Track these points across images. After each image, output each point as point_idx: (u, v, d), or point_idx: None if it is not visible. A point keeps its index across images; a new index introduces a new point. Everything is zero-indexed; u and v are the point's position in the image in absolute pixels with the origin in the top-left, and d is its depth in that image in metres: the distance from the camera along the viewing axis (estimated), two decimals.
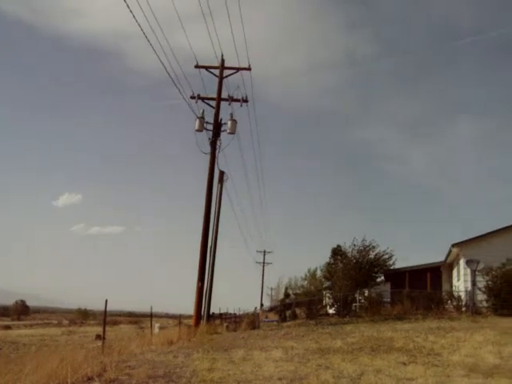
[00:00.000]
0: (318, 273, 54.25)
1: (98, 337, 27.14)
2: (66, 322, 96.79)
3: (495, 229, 29.85)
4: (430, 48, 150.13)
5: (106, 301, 17.46)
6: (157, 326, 31.44)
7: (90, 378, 9.51)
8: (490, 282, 25.93)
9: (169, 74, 20.65)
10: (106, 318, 20.75)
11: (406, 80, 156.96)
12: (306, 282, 54.62)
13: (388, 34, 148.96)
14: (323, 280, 47.32)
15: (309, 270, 58.03)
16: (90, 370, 10.06)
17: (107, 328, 34.16)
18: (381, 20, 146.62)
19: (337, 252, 38.92)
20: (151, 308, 24.84)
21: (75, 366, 9.89)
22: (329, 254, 41.38)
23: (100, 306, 18.82)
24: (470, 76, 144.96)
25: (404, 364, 11.85)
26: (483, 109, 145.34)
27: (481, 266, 27.62)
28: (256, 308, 39.34)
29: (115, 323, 72.34)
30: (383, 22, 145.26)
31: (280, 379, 9.83)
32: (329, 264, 41.08)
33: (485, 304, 26.37)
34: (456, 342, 15.54)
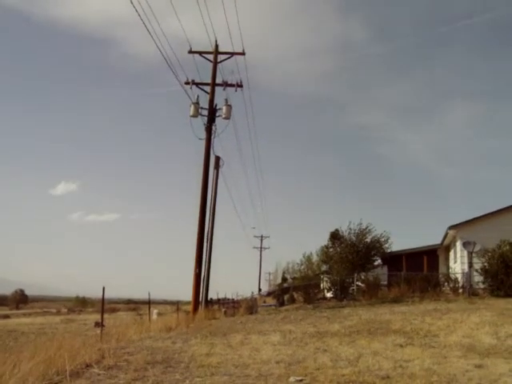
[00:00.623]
0: (314, 257, 54.25)
1: (97, 324, 27.17)
2: (64, 310, 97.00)
3: (491, 211, 29.92)
4: (422, 32, 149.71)
5: (104, 288, 17.47)
6: (155, 312, 31.55)
7: (88, 365, 9.54)
8: (486, 264, 26.02)
9: (165, 58, 20.74)
10: (105, 306, 20.77)
11: (398, 65, 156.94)
12: (302, 266, 54.69)
13: (380, 19, 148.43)
14: (321, 264, 47.40)
15: (304, 255, 58.15)
16: (88, 357, 10.08)
17: (106, 315, 34.26)
18: (372, 4, 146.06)
19: (335, 236, 38.98)
20: (149, 294, 24.85)
21: (73, 353, 9.91)
22: (327, 238, 41.56)
23: (98, 294, 18.81)
24: (462, 60, 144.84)
25: (401, 346, 11.90)
26: (474, 93, 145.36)
27: (477, 247, 27.71)
28: (253, 293, 39.48)
29: (114, 310, 72.50)
30: (375, 7, 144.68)
31: (278, 362, 9.87)
32: (326, 248, 41.15)
33: (481, 285, 26.48)
34: (453, 323, 15.61)
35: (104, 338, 15.40)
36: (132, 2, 15.43)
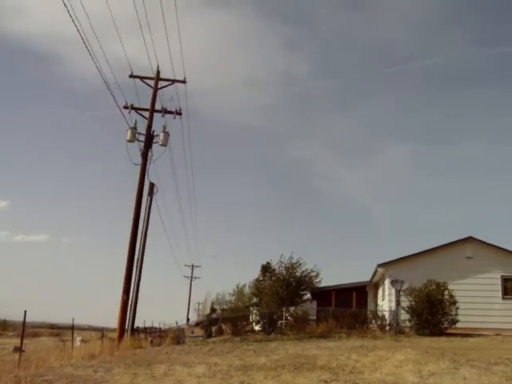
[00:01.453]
0: (247, 289, 54.32)
1: (16, 349, 26.19)
2: None
3: (419, 251, 30.59)
4: (364, 72, 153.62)
5: (25, 312, 16.91)
6: (78, 338, 30.66)
7: None
8: (413, 302, 26.42)
9: (104, 80, 20.45)
10: (27, 330, 20.05)
11: (339, 102, 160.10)
12: (233, 297, 54.62)
13: (325, 56, 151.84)
14: (251, 296, 47.35)
15: (237, 286, 58.18)
16: None
17: (27, 340, 33.04)
18: (318, 43, 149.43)
19: (266, 269, 39.03)
20: (73, 320, 24.23)
21: None
22: (259, 270, 41.59)
23: (21, 317, 18.14)
24: (399, 102, 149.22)
25: (326, 382, 11.88)
26: (409, 134, 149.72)
27: (405, 285, 28.19)
28: (177, 323, 38.96)
29: (36, 335, 69.91)
30: (320, 44, 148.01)
31: None
32: (257, 280, 41.15)
33: (408, 323, 26.82)
34: (378, 360, 15.70)
35: (22, 365, 14.88)
36: (74, 21, 15.17)
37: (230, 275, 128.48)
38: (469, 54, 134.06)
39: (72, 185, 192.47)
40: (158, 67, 27.91)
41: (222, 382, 11.67)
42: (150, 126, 26.98)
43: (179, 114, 28.46)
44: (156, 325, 48.54)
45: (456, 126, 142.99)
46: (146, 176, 26.40)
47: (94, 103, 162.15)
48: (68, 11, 13.59)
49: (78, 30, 15.53)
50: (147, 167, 26.41)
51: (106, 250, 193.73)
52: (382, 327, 28.05)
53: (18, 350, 20.15)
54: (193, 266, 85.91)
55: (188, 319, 74.93)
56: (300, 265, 33.98)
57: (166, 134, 27.06)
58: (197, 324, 61.00)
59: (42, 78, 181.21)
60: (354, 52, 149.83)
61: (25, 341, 22.55)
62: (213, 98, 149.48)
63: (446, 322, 25.80)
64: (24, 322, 17.63)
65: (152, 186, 28.22)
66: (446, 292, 26.28)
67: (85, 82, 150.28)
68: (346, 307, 30.68)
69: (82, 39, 16.48)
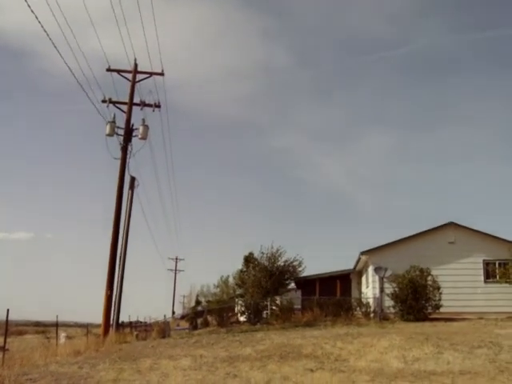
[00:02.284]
0: (231, 280, 54.40)
1: (0, 348, 26.01)
2: None
3: (401, 237, 30.75)
4: (344, 60, 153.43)
5: (8, 310, 16.82)
6: (63, 335, 30.48)
7: None
8: (396, 289, 26.59)
9: (75, 77, 20.18)
10: (12, 328, 19.93)
11: (319, 91, 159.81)
12: (218, 289, 54.64)
13: (302, 46, 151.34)
14: (236, 287, 47.43)
15: (221, 278, 58.15)
16: None
17: (11, 339, 32.80)
18: (295, 31, 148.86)
19: (249, 259, 39.09)
20: (57, 317, 24.10)
21: None
22: (241, 261, 41.69)
23: (4, 316, 18.06)
24: (380, 89, 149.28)
25: (311, 370, 11.93)
26: (390, 121, 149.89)
27: (388, 272, 28.39)
28: (165, 316, 38.88)
29: (20, 333, 69.49)
30: (298, 34, 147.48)
31: None
32: (241, 271, 41.22)
33: (392, 310, 27.02)
34: (363, 347, 15.80)
35: (6, 363, 14.78)
36: (37, 18, 14.96)
37: (215, 267, 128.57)
38: (445, 41, 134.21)
39: (53, 181, 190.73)
40: (135, 60, 27.69)
41: (208, 373, 11.67)
42: (128, 120, 26.76)
43: (158, 106, 28.28)
44: (141, 319, 48.51)
45: (435, 113, 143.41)
46: (126, 170, 26.21)
47: (71, 98, 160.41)
48: (29, 6, 13.19)
49: (42, 27, 15.19)
50: (127, 161, 26.21)
51: (90, 246, 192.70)
52: (366, 314, 28.21)
53: (2, 349, 19.99)
54: (176, 258, 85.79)
55: (173, 312, 74.85)
56: (281, 254, 33.97)
57: (146, 127, 26.87)
58: (182, 317, 60.98)
59: (15, 74, 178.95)
60: (332, 41, 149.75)
61: (9, 339, 22.39)
62: (191, 91, 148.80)
63: (429, 308, 26.03)
64: (7, 320, 17.53)
65: (133, 179, 28.06)
66: (430, 277, 26.48)
67: (61, 78, 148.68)
68: (331, 295, 30.82)
69: (48, 35, 16.15)
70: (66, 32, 17.56)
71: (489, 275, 29.28)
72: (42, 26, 14.98)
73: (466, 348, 14.71)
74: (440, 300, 26.01)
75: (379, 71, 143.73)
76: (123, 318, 31.85)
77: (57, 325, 26.99)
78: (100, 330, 25.79)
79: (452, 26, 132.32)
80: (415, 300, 25.71)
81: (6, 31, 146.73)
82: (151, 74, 28.21)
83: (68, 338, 31.62)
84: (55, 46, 16.98)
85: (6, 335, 18.55)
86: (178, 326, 45.39)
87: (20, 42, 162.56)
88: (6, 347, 20.47)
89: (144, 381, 10.62)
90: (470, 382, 10.37)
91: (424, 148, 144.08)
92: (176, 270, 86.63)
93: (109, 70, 27.28)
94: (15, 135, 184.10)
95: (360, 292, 34.42)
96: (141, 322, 44.87)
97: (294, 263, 34.21)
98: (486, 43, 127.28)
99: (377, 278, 28.93)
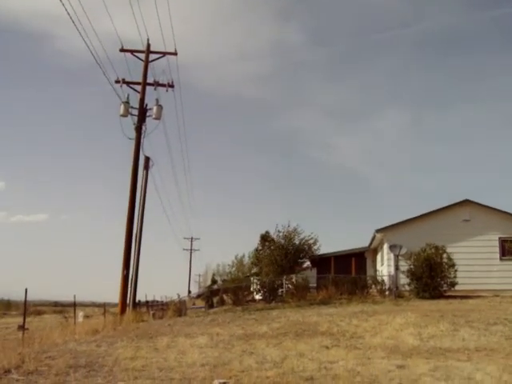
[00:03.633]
0: (246, 259, 54.52)
1: (20, 327, 26.38)
2: None
3: (416, 215, 30.65)
4: (359, 39, 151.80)
5: (26, 290, 17.03)
6: (80, 314, 30.83)
7: (6, 371, 9.17)
8: (412, 266, 26.58)
9: (94, 57, 20.26)
10: (30, 308, 20.22)
11: (333, 70, 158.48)
12: (233, 268, 54.82)
13: (316, 25, 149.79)
14: (251, 266, 47.57)
15: (236, 257, 58.29)
16: (7, 362, 9.72)
17: (30, 318, 33.26)
18: (309, 10, 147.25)
19: (265, 238, 39.24)
20: (74, 297, 24.40)
21: None
22: (258, 240, 41.83)
23: (23, 297, 18.30)
24: (396, 68, 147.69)
25: (327, 348, 12.00)
26: (407, 100, 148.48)
27: (403, 250, 28.39)
28: (179, 295, 39.20)
29: (39, 313, 70.33)
30: (311, 13, 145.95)
31: (203, 365, 9.77)
32: (257, 250, 41.36)
33: (407, 288, 27.04)
34: (378, 325, 15.86)
35: (26, 342, 14.96)
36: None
37: (230, 246, 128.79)
38: (462, 17, 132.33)
39: (68, 162, 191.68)
40: (148, 40, 27.64)
41: (224, 351, 11.78)
42: (142, 100, 26.78)
43: (171, 86, 28.26)
44: (158, 298, 48.85)
45: (450, 92, 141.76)
46: (140, 150, 26.28)
47: (85, 80, 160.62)
48: None
49: (66, 10, 15.29)
50: (141, 141, 26.27)
51: (106, 226, 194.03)
52: (381, 292, 28.27)
53: (21, 328, 20.29)
54: (192, 238, 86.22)
55: (189, 291, 75.34)
56: (297, 233, 34.13)
57: (160, 107, 26.89)
58: (198, 296, 61.41)
59: (32, 56, 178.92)
60: (346, 19, 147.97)
61: (28, 319, 22.70)
62: (205, 70, 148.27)
63: (445, 285, 25.99)
64: (26, 300, 17.76)
65: (147, 159, 28.16)
66: (445, 255, 26.42)
67: (76, 59, 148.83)
68: (346, 273, 30.88)
69: (69, 15, 16.25)
70: (78, 13, 17.59)
71: (505, 252, 29.14)
72: (66, 10, 15.00)
73: (481, 325, 14.72)
74: (455, 277, 25.98)
75: (394, 49, 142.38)
76: (140, 297, 32.08)
77: (74, 304, 27.31)
78: (117, 310, 26.07)
79: (470, 1, 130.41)
80: (430, 278, 25.69)
81: (22, 15, 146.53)
82: (164, 53, 28.16)
83: (86, 317, 32.01)
84: (76, 26, 17.06)
85: (24, 315, 18.83)
86: (193, 304, 45.68)
87: (33, 24, 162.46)
88: (26, 326, 20.77)
89: (161, 358, 10.73)
90: (485, 358, 10.39)
91: (439, 126, 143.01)
92: (191, 250, 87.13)
93: (122, 50, 27.23)
94: (33, 118, 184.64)
95: (375, 270, 34.48)
96: (157, 301, 45.15)
97: (310, 241, 34.34)
98: (505, 19, 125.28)
99: (392, 255, 28.94)
